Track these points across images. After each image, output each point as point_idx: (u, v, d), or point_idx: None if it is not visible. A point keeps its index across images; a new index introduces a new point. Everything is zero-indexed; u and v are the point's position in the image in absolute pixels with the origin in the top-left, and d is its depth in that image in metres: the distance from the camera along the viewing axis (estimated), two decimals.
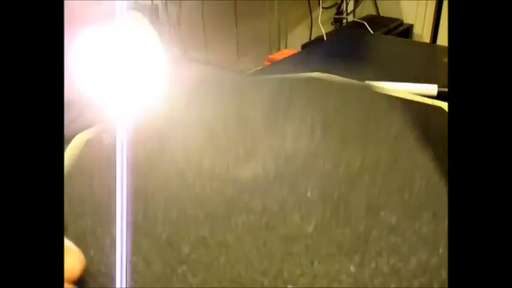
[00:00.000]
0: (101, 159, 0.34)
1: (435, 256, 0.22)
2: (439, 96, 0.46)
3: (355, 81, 0.47)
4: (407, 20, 1.86)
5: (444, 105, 0.41)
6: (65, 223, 0.26)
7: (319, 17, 1.91)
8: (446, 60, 0.60)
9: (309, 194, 0.26)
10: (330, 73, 0.50)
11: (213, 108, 0.42)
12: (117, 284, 0.22)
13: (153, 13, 2.56)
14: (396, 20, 1.82)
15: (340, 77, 0.48)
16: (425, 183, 0.27)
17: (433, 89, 0.47)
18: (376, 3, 1.94)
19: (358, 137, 0.32)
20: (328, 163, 0.29)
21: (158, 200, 0.26)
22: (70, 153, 0.36)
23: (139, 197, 0.27)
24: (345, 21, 1.95)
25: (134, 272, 0.22)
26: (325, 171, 0.28)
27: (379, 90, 0.44)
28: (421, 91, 0.47)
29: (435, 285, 0.21)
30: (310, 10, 1.92)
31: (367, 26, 1.72)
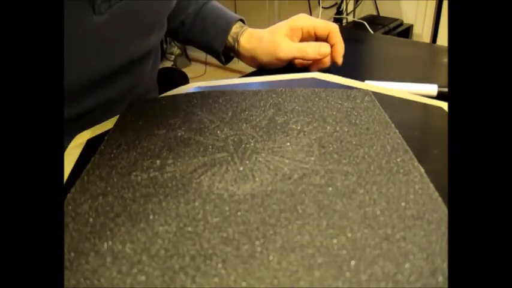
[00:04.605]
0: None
1: (430, 263, 0.22)
2: (439, 96, 0.46)
3: (354, 82, 0.47)
4: (407, 20, 1.86)
5: (444, 105, 0.41)
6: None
7: (319, 17, 1.91)
8: (446, 60, 0.60)
9: (305, 207, 0.27)
10: (330, 73, 0.50)
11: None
12: None
13: None
14: (396, 20, 1.82)
15: (340, 77, 0.48)
16: (421, 192, 0.27)
17: (433, 89, 0.47)
18: (376, 3, 1.94)
19: (355, 151, 0.32)
20: (325, 177, 0.29)
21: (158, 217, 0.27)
22: (70, 153, 0.36)
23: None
24: (345, 21, 1.95)
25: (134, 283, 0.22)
26: (322, 185, 0.28)
27: (378, 91, 0.44)
28: (421, 91, 0.47)
29: None
30: (310, 10, 1.93)
31: (367, 26, 1.72)
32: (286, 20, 0.56)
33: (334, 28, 0.54)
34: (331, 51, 0.54)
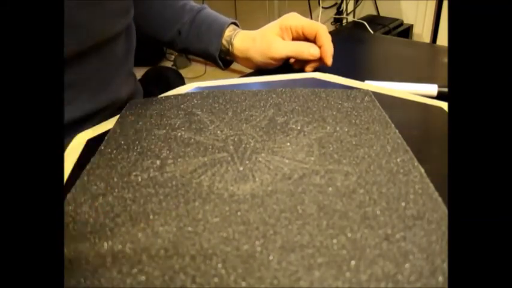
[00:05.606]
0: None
1: (430, 263, 0.22)
2: (439, 96, 0.46)
3: (354, 82, 0.47)
4: (407, 20, 1.86)
5: (444, 105, 0.41)
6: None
7: (319, 17, 1.91)
8: (446, 60, 0.60)
9: (305, 207, 0.27)
10: (330, 73, 0.50)
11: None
12: None
13: None
14: (396, 20, 1.82)
15: (340, 77, 0.48)
16: (421, 192, 0.27)
17: (433, 89, 0.47)
18: (376, 3, 1.94)
19: (355, 151, 0.32)
20: (325, 177, 0.29)
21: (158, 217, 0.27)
22: (70, 153, 0.36)
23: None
24: (345, 21, 1.95)
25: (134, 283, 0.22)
26: (322, 185, 0.28)
27: (378, 91, 0.44)
28: (421, 91, 0.47)
29: None
30: (310, 10, 1.93)
31: (367, 26, 1.73)
32: (278, 20, 0.57)
33: (322, 29, 0.55)
34: (320, 52, 0.54)
